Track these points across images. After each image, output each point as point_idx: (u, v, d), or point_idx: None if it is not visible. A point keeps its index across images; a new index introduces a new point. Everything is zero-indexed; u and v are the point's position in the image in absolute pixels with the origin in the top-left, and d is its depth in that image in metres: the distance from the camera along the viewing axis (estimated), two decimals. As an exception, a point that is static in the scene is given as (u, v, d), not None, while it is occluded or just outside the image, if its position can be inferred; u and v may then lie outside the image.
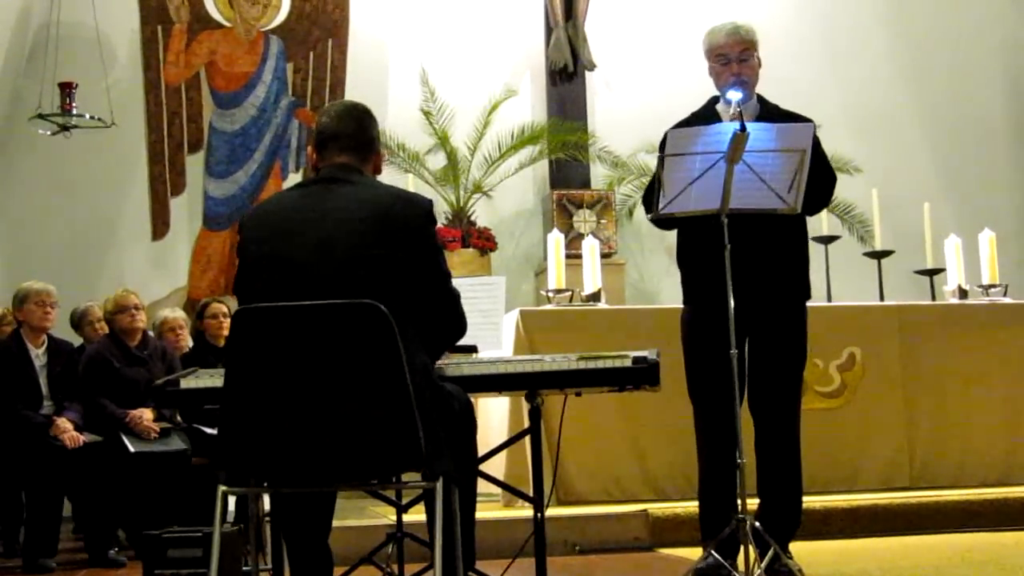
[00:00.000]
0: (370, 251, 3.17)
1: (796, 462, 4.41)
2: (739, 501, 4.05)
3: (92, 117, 8.87)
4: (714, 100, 4.55)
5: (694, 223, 4.29)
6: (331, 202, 3.26)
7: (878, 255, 8.36)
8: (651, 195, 4.45)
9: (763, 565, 4.00)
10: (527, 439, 3.98)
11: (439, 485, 3.05)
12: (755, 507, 4.31)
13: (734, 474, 4.32)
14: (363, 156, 3.43)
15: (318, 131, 3.46)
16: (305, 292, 3.12)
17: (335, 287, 3.11)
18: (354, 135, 3.42)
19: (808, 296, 4.49)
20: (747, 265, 4.11)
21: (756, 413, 4.35)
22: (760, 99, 4.46)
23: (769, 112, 4.39)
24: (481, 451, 3.74)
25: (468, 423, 3.49)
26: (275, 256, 3.22)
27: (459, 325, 3.42)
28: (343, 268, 3.16)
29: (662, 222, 4.45)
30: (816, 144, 4.20)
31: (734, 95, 4.15)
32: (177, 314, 7.31)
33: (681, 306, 4.55)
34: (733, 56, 4.39)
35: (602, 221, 9.58)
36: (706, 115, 4.48)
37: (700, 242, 4.36)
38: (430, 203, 3.38)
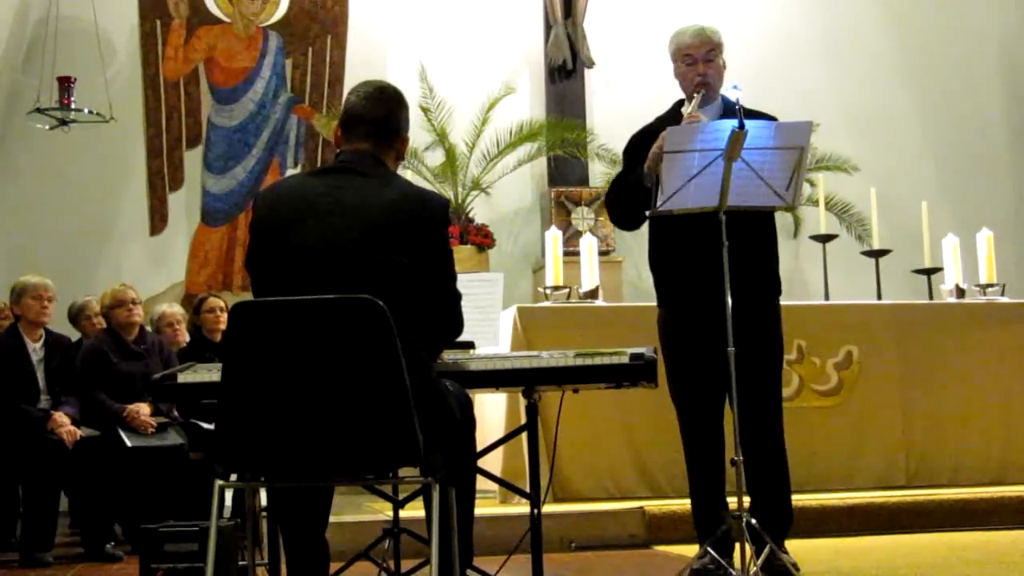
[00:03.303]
0: (379, 248, 3.17)
1: (782, 458, 4.42)
2: (735, 499, 4.05)
3: (91, 112, 8.87)
4: (679, 104, 4.57)
5: (668, 225, 4.30)
6: (346, 194, 3.25)
7: (876, 254, 8.35)
8: (617, 203, 4.48)
9: (759, 563, 4.01)
10: (524, 435, 3.99)
11: (436, 481, 3.05)
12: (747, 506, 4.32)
13: (722, 473, 4.34)
14: (386, 143, 3.41)
15: (345, 109, 3.44)
16: (312, 285, 3.12)
17: (341, 281, 3.11)
18: (380, 121, 3.40)
19: (779, 293, 4.52)
20: (722, 264, 4.11)
21: (739, 412, 4.35)
22: (723, 99, 4.48)
23: (733, 112, 4.39)
24: (478, 447, 3.75)
25: (467, 420, 3.49)
26: (285, 244, 3.22)
27: (456, 325, 3.41)
28: (350, 263, 3.16)
29: (628, 224, 4.47)
30: None
31: (733, 93, 4.18)
32: (175, 309, 7.31)
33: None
34: (699, 56, 4.42)
35: (600, 218, 9.59)
36: (672, 118, 4.50)
37: (676, 244, 4.38)
38: (446, 203, 3.37)
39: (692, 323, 4.35)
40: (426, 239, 3.24)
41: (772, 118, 4.39)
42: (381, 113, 3.41)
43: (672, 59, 4.51)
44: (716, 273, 4.09)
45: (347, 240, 3.18)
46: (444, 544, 3.07)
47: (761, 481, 4.36)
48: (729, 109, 4.38)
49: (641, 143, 4.43)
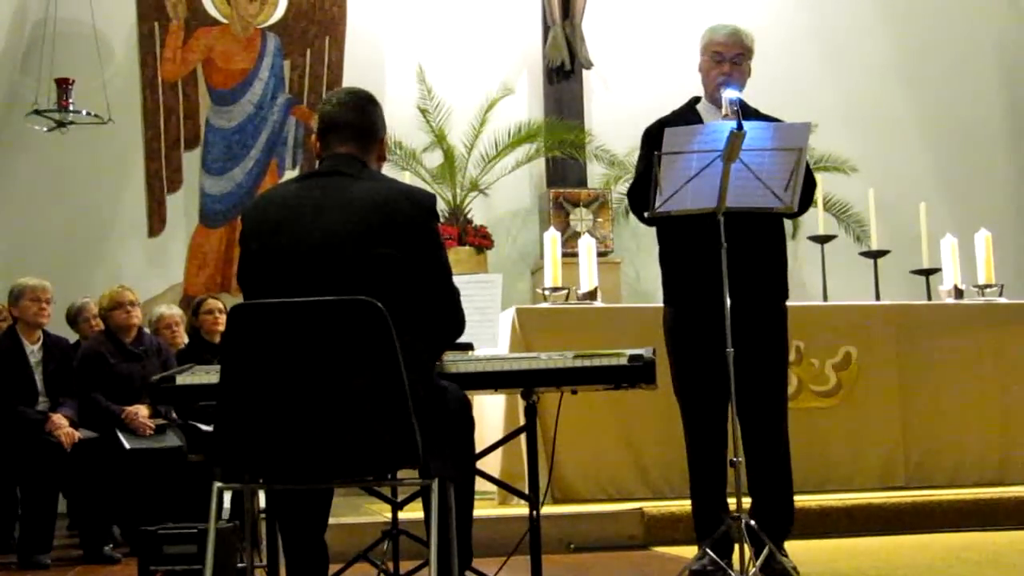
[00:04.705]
0: (370, 248, 3.17)
1: (786, 461, 4.42)
2: (734, 500, 4.05)
3: (89, 113, 8.86)
4: (695, 100, 4.57)
5: (678, 224, 4.30)
6: (332, 197, 3.25)
7: (874, 255, 8.36)
8: (637, 192, 4.46)
9: (758, 564, 4.01)
10: (523, 437, 3.99)
11: (435, 483, 3.04)
12: (748, 507, 4.31)
13: (724, 474, 4.34)
14: (366, 145, 3.42)
15: (320, 119, 3.45)
16: (304, 288, 3.11)
17: (334, 284, 3.11)
18: (356, 124, 3.41)
19: (786, 296, 4.51)
20: (730, 266, 4.11)
21: (743, 414, 4.35)
22: (742, 103, 4.46)
23: (750, 117, 4.38)
24: (477, 449, 3.74)
25: (466, 421, 3.49)
26: (275, 250, 3.22)
27: (458, 323, 3.41)
28: (343, 265, 3.16)
29: (649, 219, 4.46)
30: None
31: (731, 93, 4.17)
32: (173, 310, 7.31)
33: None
34: (727, 57, 4.42)
35: (598, 220, 9.59)
36: (687, 114, 4.50)
37: (684, 243, 4.37)
38: (433, 198, 3.38)
39: (698, 322, 4.34)
40: (417, 234, 3.23)
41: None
42: (357, 116, 3.42)
43: (700, 52, 4.49)
44: (727, 274, 4.09)
45: (337, 240, 3.18)
46: (443, 545, 3.07)
47: (764, 482, 4.36)
48: (746, 113, 4.36)
49: (659, 135, 4.40)
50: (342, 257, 3.17)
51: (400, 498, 4.32)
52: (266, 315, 3.03)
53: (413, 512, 4.27)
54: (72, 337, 7.04)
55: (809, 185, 4.38)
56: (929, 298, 7.91)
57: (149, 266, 9.32)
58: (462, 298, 3.44)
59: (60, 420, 6.00)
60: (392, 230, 3.20)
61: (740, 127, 3.99)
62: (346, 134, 3.40)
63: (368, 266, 3.16)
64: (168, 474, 6.14)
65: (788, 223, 4.67)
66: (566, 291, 6.58)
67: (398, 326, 2.98)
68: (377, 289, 3.05)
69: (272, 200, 3.39)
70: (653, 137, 4.46)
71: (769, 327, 4.40)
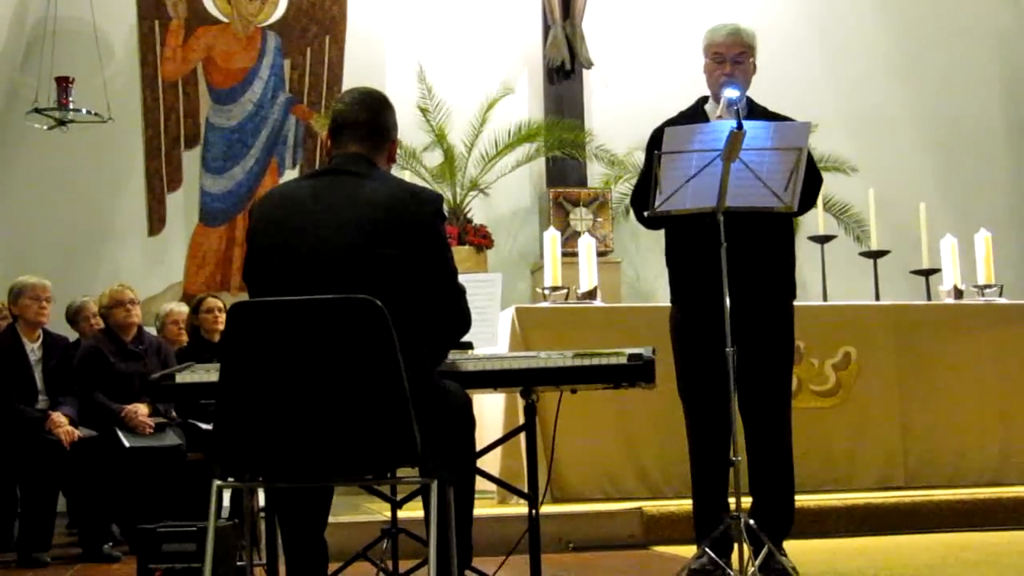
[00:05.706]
0: (376, 248, 3.18)
1: (788, 460, 4.42)
2: (733, 500, 4.05)
3: (89, 112, 8.87)
4: (703, 100, 4.56)
5: (683, 222, 4.30)
6: (340, 196, 3.26)
7: (874, 255, 8.36)
8: (640, 196, 4.45)
9: (757, 563, 4.01)
10: (522, 436, 3.99)
11: (435, 482, 3.05)
12: (748, 506, 4.31)
13: (726, 473, 4.33)
14: (377, 145, 3.43)
15: (333, 118, 3.47)
16: (309, 287, 3.12)
17: (340, 283, 3.11)
18: (368, 124, 3.42)
19: (794, 296, 4.51)
20: (736, 264, 4.12)
21: (746, 413, 4.35)
22: (749, 101, 4.46)
23: (757, 115, 4.38)
24: (477, 448, 3.75)
25: (467, 420, 3.49)
26: (281, 248, 3.23)
27: (463, 321, 3.42)
28: (348, 264, 3.16)
29: (651, 222, 4.45)
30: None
31: (731, 93, 4.17)
32: (182, 307, 7.34)
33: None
34: (729, 56, 4.41)
35: (598, 219, 9.59)
36: (694, 114, 4.49)
37: (690, 241, 4.37)
38: (439, 198, 3.39)
39: (703, 321, 4.33)
40: (422, 234, 3.24)
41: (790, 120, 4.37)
42: (369, 116, 3.43)
43: (703, 53, 4.48)
44: (730, 272, 4.09)
45: (343, 239, 3.19)
46: (442, 544, 3.07)
47: (765, 482, 4.36)
48: (753, 111, 4.36)
49: (662, 137, 4.39)
50: (348, 256, 3.17)
51: (399, 497, 4.32)
52: (266, 313, 3.03)
53: (412, 511, 4.27)
54: (72, 336, 7.04)
55: (814, 182, 4.38)
56: (929, 298, 7.91)
57: (149, 265, 9.33)
58: (463, 297, 3.45)
59: (60, 418, 6.01)
60: (398, 230, 3.20)
61: (740, 126, 3.98)
62: (358, 133, 3.41)
63: (374, 266, 3.16)
64: (167, 472, 6.14)
65: (806, 223, 4.67)
66: (566, 290, 6.59)
67: (402, 325, 2.98)
68: (382, 288, 3.05)
69: (280, 197, 3.40)
70: (659, 140, 4.45)
71: (775, 326, 4.39)
